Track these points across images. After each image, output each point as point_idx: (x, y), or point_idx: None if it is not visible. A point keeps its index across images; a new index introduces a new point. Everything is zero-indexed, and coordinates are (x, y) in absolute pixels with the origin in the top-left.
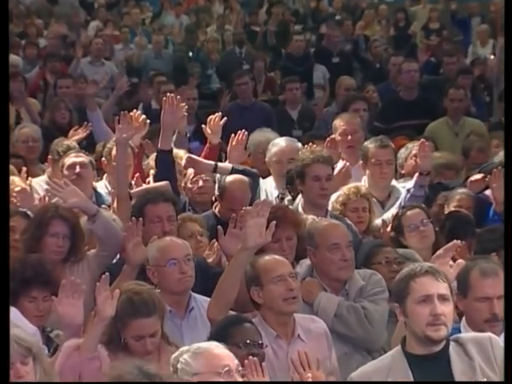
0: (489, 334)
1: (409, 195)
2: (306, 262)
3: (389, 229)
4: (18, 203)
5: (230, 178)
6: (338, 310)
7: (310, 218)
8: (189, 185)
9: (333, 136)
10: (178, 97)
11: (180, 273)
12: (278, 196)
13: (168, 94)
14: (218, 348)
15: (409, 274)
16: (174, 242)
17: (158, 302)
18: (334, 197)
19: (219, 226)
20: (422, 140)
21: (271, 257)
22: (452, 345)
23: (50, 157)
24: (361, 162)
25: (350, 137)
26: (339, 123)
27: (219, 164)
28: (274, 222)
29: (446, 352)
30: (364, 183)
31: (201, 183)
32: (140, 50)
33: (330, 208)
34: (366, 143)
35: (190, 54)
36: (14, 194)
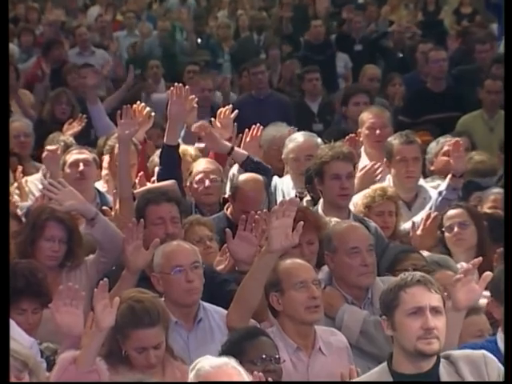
0: (483, 351)
1: (440, 198)
2: (325, 269)
3: (419, 232)
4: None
5: (243, 177)
6: (364, 327)
7: (334, 220)
8: (194, 185)
9: (352, 135)
10: (187, 87)
11: (186, 281)
12: (296, 196)
13: (175, 84)
14: (227, 367)
15: (398, 284)
16: (180, 246)
17: (162, 310)
18: (357, 197)
19: (227, 229)
20: (457, 139)
21: (294, 260)
22: (442, 363)
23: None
24: (384, 159)
25: (378, 131)
26: (367, 116)
27: (236, 148)
28: (302, 222)
29: (436, 371)
30: (388, 183)
31: (207, 183)
32: (143, 38)
33: (352, 209)
34: (389, 139)
35: (199, 41)
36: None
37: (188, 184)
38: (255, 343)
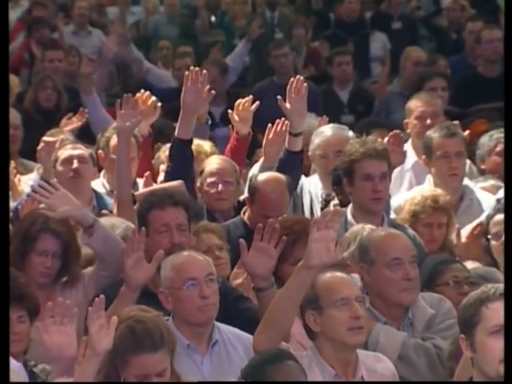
0: None
1: (499, 206)
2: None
3: (464, 239)
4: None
5: (263, 176)
6: (403, 351)
7: (368, 227)
8: (205, 187)
9: (397, 131)
10: (204, 71)
11: (201, 297)
12: (322, 199)
13: (191, 68)
14: None
15: (479, 298)
16: (192, 257)
17: (167, 332)
18: (400, 199)
19: (241, 240)
20: None
21: (334, 274)
22: None
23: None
24: (423, 156)
25: (429, 120)
26: (416, 104)
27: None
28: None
29: None
30: (428, 183)
31: (220, 187)
32: (148, 15)
33: (393, 214)
34: (428, 132)
35: (213, 18)
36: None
37: (198, 185)
38: (280, 368)
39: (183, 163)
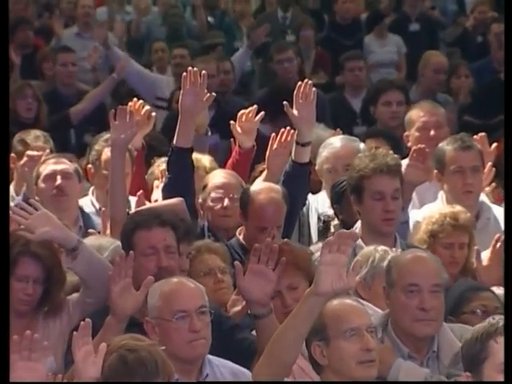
0: None
1: None
2: (378, 311)
3: (485, 263)
4: None
5: (254, 187)
6: None
7: (381, 249)
8: (209, 203)
9: (422, 146)
10: (204, 72)
11: (191, 331)
12: (320, 220)
13: (189, 68)
14: None
15: (487, 332)
16: (183, 285)
17: (162, 362)
18: (418, 216)
19: (236, 262)
20: None
21: (343, 301)
22: None
23: (12, 156)
24: (435, 171)
25: (433, 132)
26: (417, 114)
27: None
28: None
29: None
30: (441, 200)
31: (226, 203)
32: (140, 16)
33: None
34: (441, 145)
35: (211, 19)
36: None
37: (201, 201)
38: None
39: (183, 175)
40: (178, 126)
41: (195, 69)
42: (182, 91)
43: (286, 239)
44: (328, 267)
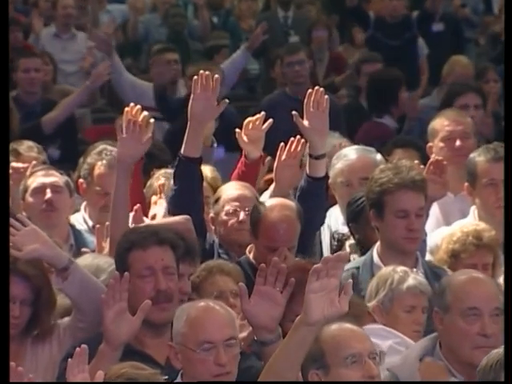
0: None
1: None
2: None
3: None
4: None
5: (268, 203)
6: None
7: (401, 270)
8: (223, 217)
9: (439, 158)
10: (216, 76)
11: (216, 364)
12: (334, 239)
13: (201, 72)
14: None
15: (501, 360)
16: (213, 313)
17: None
18: (437, 237)
19: (241, 284)
20: None
21: (342, 326)
22: None
23: None
24: (466, 184)
25: (459, 142)
26: (441, 123)
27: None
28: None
29: None
30: (473, 216)
31: (242, 216)
32: (137, 15)
33: (428, 255)
34: (472, 156)
35: (215, 19)
36: None
37: (211, 214)
38: None
39: (191, 187)
40: (186, 134)
41: (207, 72)
42: (192, 96)
43: (297, 258)
44: (317, 295)
